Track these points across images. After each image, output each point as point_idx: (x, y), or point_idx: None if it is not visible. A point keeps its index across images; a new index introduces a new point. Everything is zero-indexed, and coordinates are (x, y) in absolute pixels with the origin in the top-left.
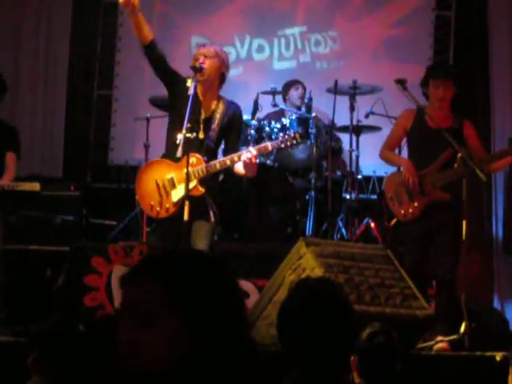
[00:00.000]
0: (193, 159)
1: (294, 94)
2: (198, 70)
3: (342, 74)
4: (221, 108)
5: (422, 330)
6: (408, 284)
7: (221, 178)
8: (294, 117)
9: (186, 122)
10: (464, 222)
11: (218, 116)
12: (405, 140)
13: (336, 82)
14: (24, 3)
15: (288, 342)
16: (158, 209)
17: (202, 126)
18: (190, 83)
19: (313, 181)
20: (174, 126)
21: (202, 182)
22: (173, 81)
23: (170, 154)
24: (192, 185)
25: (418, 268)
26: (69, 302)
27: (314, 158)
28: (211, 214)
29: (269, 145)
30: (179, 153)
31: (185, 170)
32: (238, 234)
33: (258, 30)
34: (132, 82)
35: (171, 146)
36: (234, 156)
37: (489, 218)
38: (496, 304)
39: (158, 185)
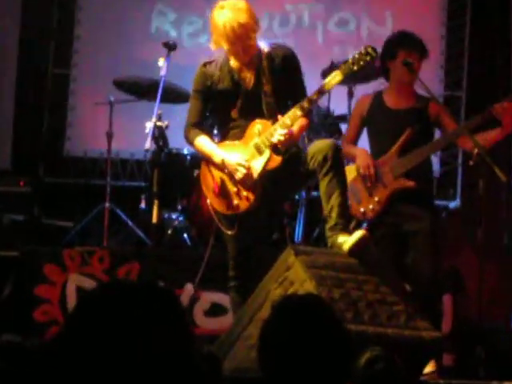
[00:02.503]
0: (257, 126)
1: None
2: None
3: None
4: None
5: (429, 354)
6: (414, 301)
7: None
8: None
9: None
10: (479, 229)
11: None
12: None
13: (332, 64)
14: None
15: (270, 368)
16: (237, 201)
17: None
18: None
19: None
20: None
21: (276, 148)
22: (210, 95)
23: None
24: (265, 157)
25: None
26: (16, 317)
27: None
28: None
29: (338, 72)
30: None
31: (252, 143)
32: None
33: None
34: (94, 60)
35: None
36: (304, 103)
37: (509, 222)
38: None
39: (227, 174)
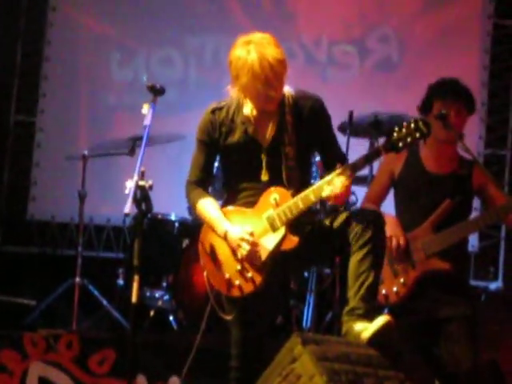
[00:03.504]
0: (274, 196)
1: None
2: None
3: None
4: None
5: None
6: None
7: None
8: None
9: None
10: None
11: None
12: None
13: (351, 115)
14: None
15: None
16: (239, 282)
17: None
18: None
19: None
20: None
21: (293, 226)
22: (217, 148)
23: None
24: (279, 235)
25: None
26: None
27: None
28: None
29: (381, 148)
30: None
31: (265, 215)
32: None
33: None
34: (64, 106)
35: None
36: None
37: None
38: None
39: (231, 249)
